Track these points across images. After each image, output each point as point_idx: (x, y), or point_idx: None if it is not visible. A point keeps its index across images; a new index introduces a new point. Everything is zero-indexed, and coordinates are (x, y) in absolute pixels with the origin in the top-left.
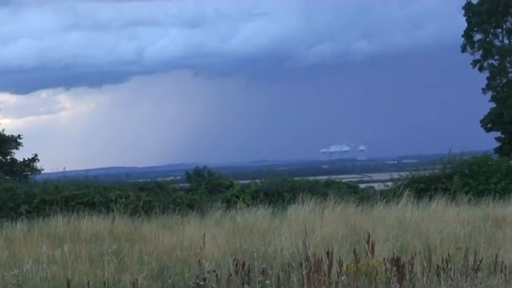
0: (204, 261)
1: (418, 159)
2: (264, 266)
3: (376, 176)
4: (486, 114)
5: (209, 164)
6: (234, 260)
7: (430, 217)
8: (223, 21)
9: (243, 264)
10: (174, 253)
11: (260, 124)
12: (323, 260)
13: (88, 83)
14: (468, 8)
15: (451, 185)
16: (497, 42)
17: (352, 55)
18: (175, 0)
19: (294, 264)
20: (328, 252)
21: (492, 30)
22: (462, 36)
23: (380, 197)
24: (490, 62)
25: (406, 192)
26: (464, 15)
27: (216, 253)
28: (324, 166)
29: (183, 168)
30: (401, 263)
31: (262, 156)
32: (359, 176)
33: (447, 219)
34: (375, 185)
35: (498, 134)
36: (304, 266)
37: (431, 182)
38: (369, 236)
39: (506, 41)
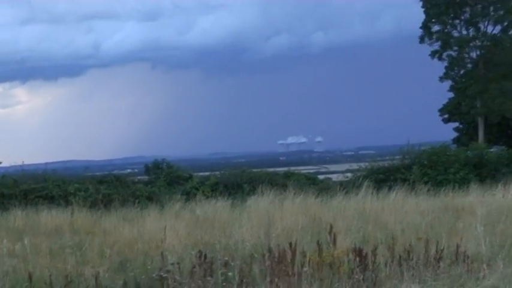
0: (166, 253)
1: (376, 150)
2: (226, 258)
3: (333, 167)
4: (444, 104)
5: (167, 157)
6: (197, 252)
7: (390, 208)
8: (180, 14)
9: (205, 256)
10: (135, 246)
11: (218, 116)
12: (286, 251)
13: (44, 76)
14: (426, 0)
15: (410, 176)
16: (455, 33)
17: (309, 47)
18: None
19: (256, 256)
20: (290, 244)
21: (450, 21)
22: (420, 27)
23: (339, 188)
24: (448, 52)
25: (366, 183)
26: (422, 7)
27: (178, 246)
28: (281, 158)
29: (141, 161)
30: (364, 253)
31: (220, 148)
32: (316, 167)
33: (407, 210)
34: (333, 176)
35: (456, 124)
36: (267, 258)
37: (390, 173)
38: (331, 226)
39: (464, 32)
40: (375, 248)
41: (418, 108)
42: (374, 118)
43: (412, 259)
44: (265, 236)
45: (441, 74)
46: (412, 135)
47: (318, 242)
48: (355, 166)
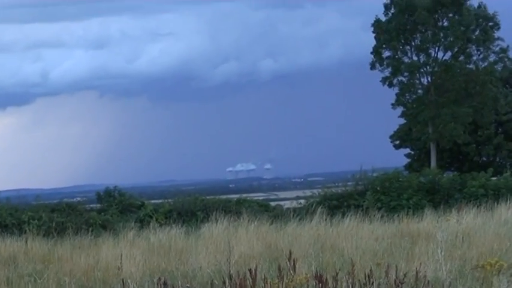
0: (128, 281)
1: (325, 177)
2: (188, 285)
3: (283, 194)
4: (395, 130)
5: (117, 185)
6: (158, 279)
7: (345, 234)
8: (128, 42)
9: (165, 283)
10: (92, 274)
11: (167, 144)
12: (246, 277)
13: None
14: (377, 26)
15: (364, 202)
16: (406, 59)
17: (257, 74)
18: (80, 21)
19: (216, 282)
20: (250, 270)
21: (401, 47)
22: (371, 53)
23: (293, 215)
24: (399, 78)
25: (319, 210)
26: (373, 32)
27: (136, 273)
28: (230, 185)
29: (90, 189)
30: (325, 279)
31: (170, 176)
32: (266, 194)
33: (362, 236)
34: (284, 203)
35: (408, 150)
36: (227, 284)
37: (343, 199)
38: (290, 253)
39: (415, 58)
40: (336, 274)
41: (368, 135)
42: (323, 145)
43: (373, 284)
44: (224, 263)
45: (392, 100)
46: (363, 162)
47: (279, 268)
48: (307, 192)
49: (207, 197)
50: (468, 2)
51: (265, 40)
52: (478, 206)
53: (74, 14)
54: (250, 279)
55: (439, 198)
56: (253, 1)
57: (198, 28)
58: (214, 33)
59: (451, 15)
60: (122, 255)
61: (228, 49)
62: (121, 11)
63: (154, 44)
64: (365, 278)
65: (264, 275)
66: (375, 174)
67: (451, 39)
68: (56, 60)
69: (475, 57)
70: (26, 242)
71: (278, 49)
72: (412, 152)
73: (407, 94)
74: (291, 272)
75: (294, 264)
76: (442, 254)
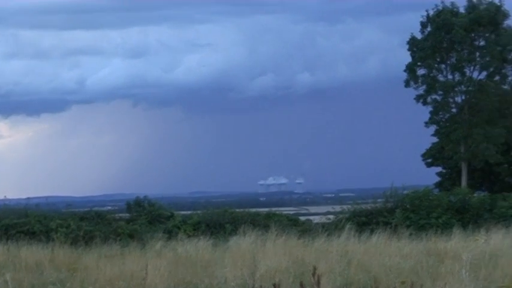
0: None
1: (356, 193)
2: None
3: (314, 209)
4: (427, 149)
5: (147, 195)
6: None
7: (373, 251)
8: (166, 52)
9: None
10: (116, 283)
11: (198, 155)
12: None
13: (27, 111)
14: (412, 43)
15: (393, 219)
16: (440, 78)
17: (294, 87)
18: (119, 29)
19: None
20: (274, 284)
21: (436, 65)
22: (405, 70)
23: (321, 230)
24: (433, 96)
25: (348, 226)
26: (408, 50)
27: (159, 285)
28: (261, 198)
29: (121, 198)
30: None
31: (200, 187)
32: (296, 208)
33: (389, 253)
34: (314, 218)
35: (439, 168)
36: None
37: (372, 216)
38: (314, 268)
39: (450, 76)
40: None
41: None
42: (355, 160)
43: None
44: (249, 277)
45: (425, 118)
46: (394, 179)
47: (301, 284)
48: (337, 208)
49: (236, 210)
50: (506, 22)
51: (303, 54)
52: (507, 227)
53: (113, 22)
54: None
55: (468, 217)
56: (293, 15)
57: (236, 40)
58: (252, 45)
59: (487, 34)
60: (147, 266)
61: (265, 62)
62: (160, 20)
63: (192, 55)
64: None
65: None
66: (405, 192)
67: (487, 58)
68: (93, 68)
69: (510, 78)
70: (53, 249)
71: (316, 63)
72: (444, 171)
73: (440, 112)
74: (316, 287)
75: (318, 280)
76: (467, 274)
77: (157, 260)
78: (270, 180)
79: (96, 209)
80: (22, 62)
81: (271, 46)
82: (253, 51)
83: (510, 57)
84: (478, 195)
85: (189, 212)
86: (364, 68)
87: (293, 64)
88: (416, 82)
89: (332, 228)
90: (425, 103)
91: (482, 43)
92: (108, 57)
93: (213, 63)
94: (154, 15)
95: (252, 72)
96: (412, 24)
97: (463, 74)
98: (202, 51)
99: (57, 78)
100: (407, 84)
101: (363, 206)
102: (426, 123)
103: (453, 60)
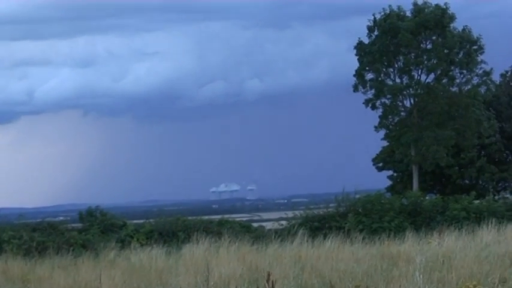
0: None
1: (309, 198)
2: None
3: (266, 215)
4: (378, 153)
5: (99, 204)
6: None
7: (326, 256)
8: (114, 61)
9: None
10: None
11: (149, 164)
12: None
13: None
14: (360, 48)
15: (345, 224)
16: (389, 81)
17: (244, 94)
18: (67, 39)
19: None
20: None
21: (384, 70)
22: (354, 75)
23: (274, 236)
24: (382, 100)
25: (301, 231)
26: (356, 55)
27: None
28: (213, 206)
29: (73, 208)
30: None
31: (152, 196)
32: (249, 215)
33: (343, 258)
34: (266, 224)
35: (390, 172)
36: None
37: (325, 221)
38: (268, 274)
39: (398, 80)
40: None
41: (351, 156)
42: (307, 166)
43: None
44: (203, 284)
45: (375, 123)
46: (346, 183)
47: None
48: (290, 214)
49: (189, 218)
50: (452, 25)
51: (252, 60)
52: (459, 229)
53: (61, 32)
54: None
55: (420, 220)
56: (242, 21)
57: (185, 47)
58: (201, 52)
59: (434, 37)
60: (101, 276)
61: (214, 69)
62: (108, 29)
63: (140, 63)
64: None
65: None
66: (357, 196)
67: (434, 61)
68: (42, 79)
69: (458, 80)
70: (6, 261)
71: (265, 69)
72: (395, 174)
73: (390, 116)
74: None
75: (272, 285)
76: (421, 276)
77: (111, 270)
78: (222, 187)
79: (48, 219)
80: None
81: (220, 53)
82: (201, 59)
83: (457, 59)
84: (430, 198)
85: (141, 221)
86: (313, 73)
87: (242, 71)
88: (364, 87)
89: (285, 234)
90: (374, 107)
91: (429, 46)
92: (56, 67)
93: (161, 72)
94: (101, 24)
95: (201, 80)
96: (359, 29)
97: (411, 77)
98: (150, 59)
99: (6, 89)
100: (356, 89)
101: (315, 211)
102: (376, 127)
103: (400, 63)
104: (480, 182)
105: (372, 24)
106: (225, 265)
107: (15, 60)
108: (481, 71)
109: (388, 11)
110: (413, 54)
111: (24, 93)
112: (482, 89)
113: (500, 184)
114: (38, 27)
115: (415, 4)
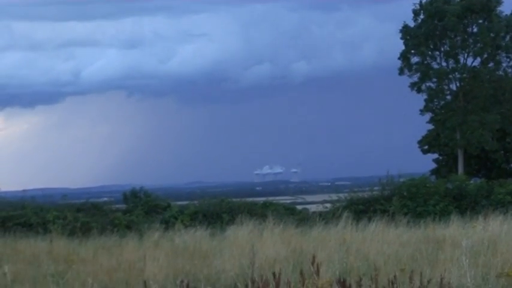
0: (151, 282)
1: (352, 181)
2: (209, 287)
3: (310, 198)
4: (423, 136)
5: (143, 186)
6: (180, 282)
7: (371, 239)
8: (161, 42)
9: (188, 285)
10: (115, 275)
11: (194, 145)
12: (269, 281)
13: (21, 103)
14: (405, 31)
15: (390, 207)
16: (434, 65)
17: (290, 76)
18: (113, 21)
19: (239, 286)
20: (274, 274)
21: (429, 53)
22: (399, 58)
23: (318, 219)
24: (427, 84)
25: (345, 214)
26: (401, 38)
27: (158, 275)
28: (257, 188)
29: (117, 189)
30: (348, 284)
31: (196, 177)
32: (292, 197)
33: (388, 241)
34: (310, 206)
35: (435, 155)
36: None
37: (370, 204)
38: (313, 257)
39: (443, 64)
40: (360, 279)
41: (396, 139)
42: (351, 149)
43: None
44: (247, 266)
45: (421, 106)
46: (391, 167)
47: (301, 272)
48: (334, 197)
49: (233, 200)
50: (498, 9)
51: (299, 42)
52: (504, 213)
53: (107, 13)
54: (273, 283)
55: (465, 204)
56: (289, 2)
57: (231, 29)
58: (248, 34)
59: (480, 21)
60: (145, 257)
61: (261, 51)
62: (155, 10)
63: (187, 45)
64: (389, 284)
65: (288, 279)
66: (401, 180)
67: (480, 45)
68: (88, 59)
69: (504, 64)
70: (51, 241)
71: (311, 52)
72: (440, 158)
73: (435, 100)
74: (315, 276)
75: (317, 268)
76: (467, 261)
77: (155, 251)
78: (266, 170)
79: (92, 200)
80: (16, 54)
81: (267, 35)
82: (248, 41)
83: (503, 43)
84: (475, 182)
85: (185, 203)
86: (360, 56)
87: (289, 53)
88: (410, 70)
89: (329, 217)
90: (419, 91)
91: (475, 30)
92: (103, 48)
93: (208, 54)
94: (149, 6)
95: (247, 62)
96: (407, 12)
97: (457, 61)
98: (197, 41)
99: (52, 70)
100: (401, 72)
101: (360, 194)
102: (421, 110)
103: (446, 47)
104: None
105: (417, 7)
106: (269, 247)
107: (62, 41)
108: None
109: None
110: (459, 38)
111: (70, 74)
112: None
113: None
114: (84, 8)
115: None
